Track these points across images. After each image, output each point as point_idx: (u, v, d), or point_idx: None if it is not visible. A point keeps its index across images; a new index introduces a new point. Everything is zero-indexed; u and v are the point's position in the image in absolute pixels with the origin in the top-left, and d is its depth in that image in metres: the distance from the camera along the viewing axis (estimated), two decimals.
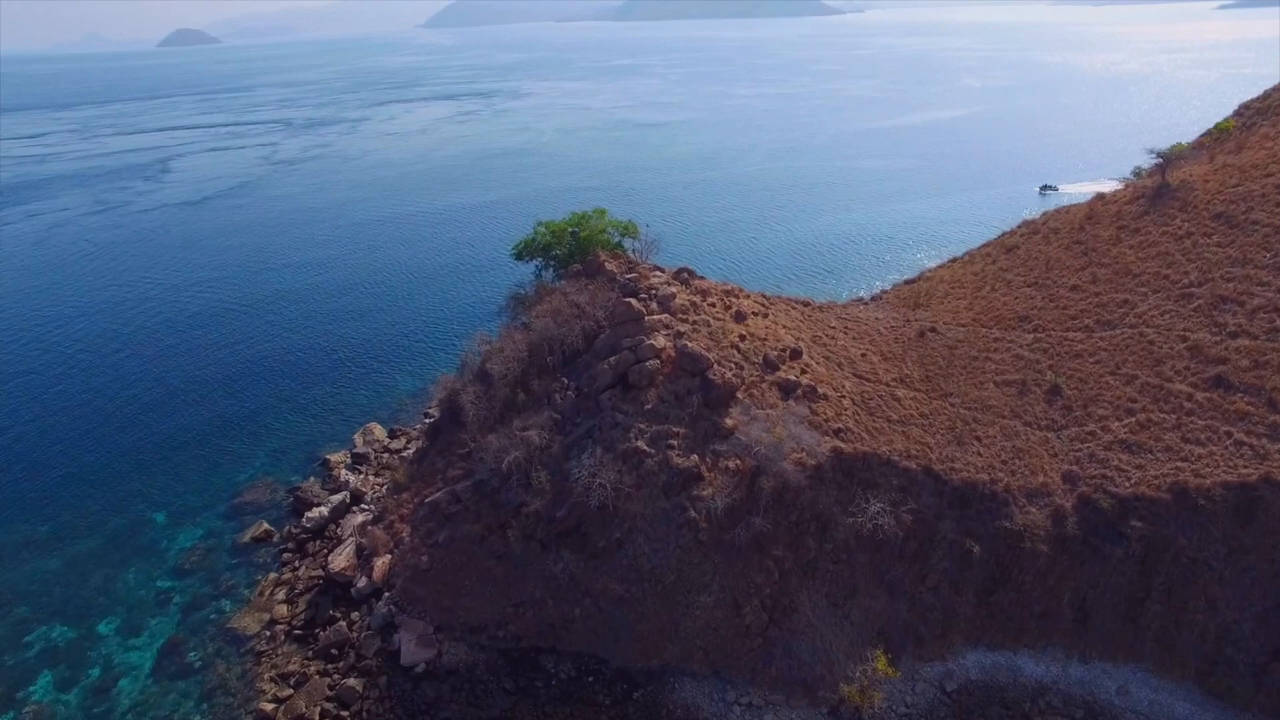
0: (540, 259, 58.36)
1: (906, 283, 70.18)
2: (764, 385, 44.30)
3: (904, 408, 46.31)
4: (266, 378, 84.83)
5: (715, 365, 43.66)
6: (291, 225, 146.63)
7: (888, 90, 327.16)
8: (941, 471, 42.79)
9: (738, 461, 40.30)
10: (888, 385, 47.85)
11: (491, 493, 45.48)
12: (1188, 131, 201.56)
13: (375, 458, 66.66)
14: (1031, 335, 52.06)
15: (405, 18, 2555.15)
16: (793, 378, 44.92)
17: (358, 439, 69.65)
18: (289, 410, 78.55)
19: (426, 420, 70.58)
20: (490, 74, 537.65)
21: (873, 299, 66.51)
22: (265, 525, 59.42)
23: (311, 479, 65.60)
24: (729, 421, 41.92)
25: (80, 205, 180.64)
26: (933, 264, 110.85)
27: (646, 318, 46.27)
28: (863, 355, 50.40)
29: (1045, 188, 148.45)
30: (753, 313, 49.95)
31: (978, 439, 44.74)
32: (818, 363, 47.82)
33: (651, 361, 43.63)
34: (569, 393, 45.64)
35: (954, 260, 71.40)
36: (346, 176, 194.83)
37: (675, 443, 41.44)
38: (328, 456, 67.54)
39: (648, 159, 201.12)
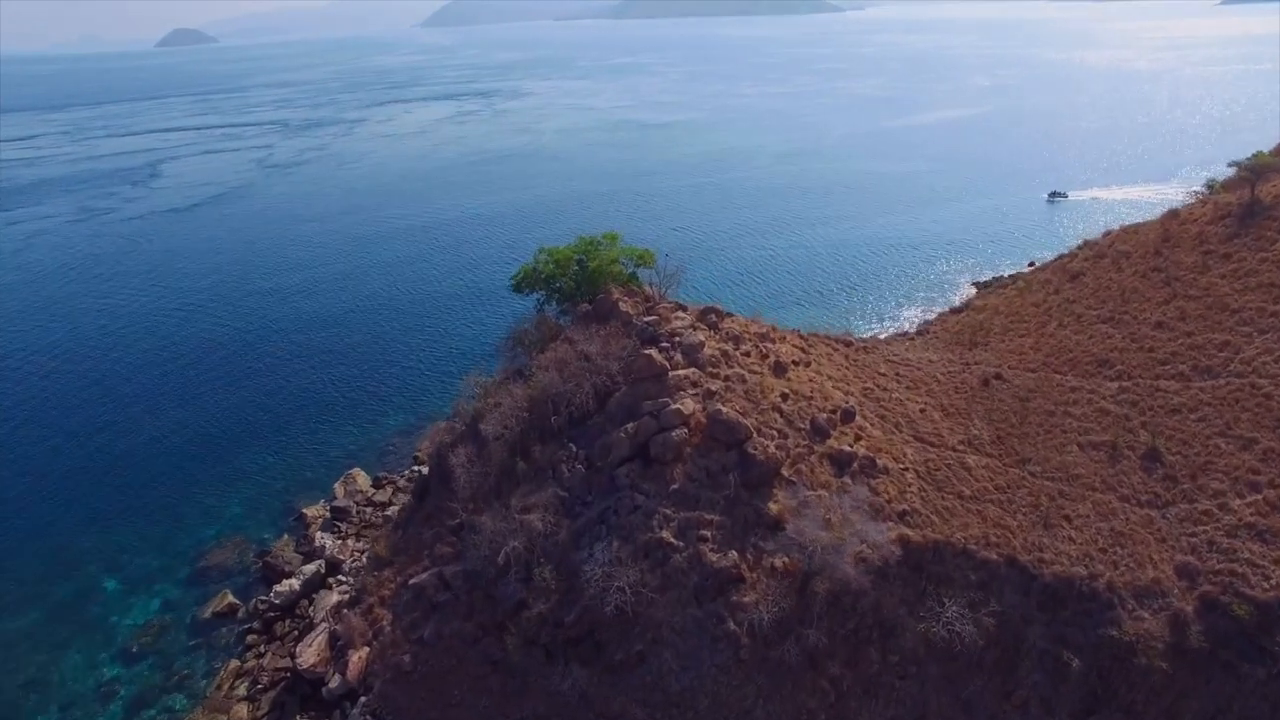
0: (542, 292, 50.86)
1: (953, 312, 62.67)
2: (813, 458, 36.84)
3: (976, 480, 38.86)
4: (242, 413, 77.30)
5: (755, 435, 36.19)
6: (278, 238, 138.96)
7: (895, 89, 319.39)
8: (1029, 563, 35.36)
9: (785, 560, 32.85)
10: (955, 450, 40.39)
11: (487, 583, 38.07)
12: (1217, 133, 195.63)
13: (357, 512, 59.24)
14: (1116, 384, 44.59)
15: (404, 17, 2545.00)
16: (847, 447, 37.45)
17: (338, 488, 62.20)
18: (266, 451, 71.09)
19: (415, 468, 63.21)
20: (489, 73, 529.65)
21: (919, 333, 58.96)
22: (230, 597, 52.01)
23: (285, 537, 58.16)
24: (774, 507, 34.47)
25: (63, 212, 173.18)
26: (962, 277, 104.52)
27: (670, 374, 38.79)
28: (922, 411, 42.93)
29: (1054, 194, 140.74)
30: (793, 361, 42.48)
31: (1067, 519, 37.30)
32: (873, 425, 40.34)
33: (678, 430, 36.18)
34: (578, 465, 38.18)
35: (1005, 286, 63.87)
36: (340, 182, 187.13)
37: (708, 533, 34.02)
38: (304, 510, 60.07)
39: (652, 162, 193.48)
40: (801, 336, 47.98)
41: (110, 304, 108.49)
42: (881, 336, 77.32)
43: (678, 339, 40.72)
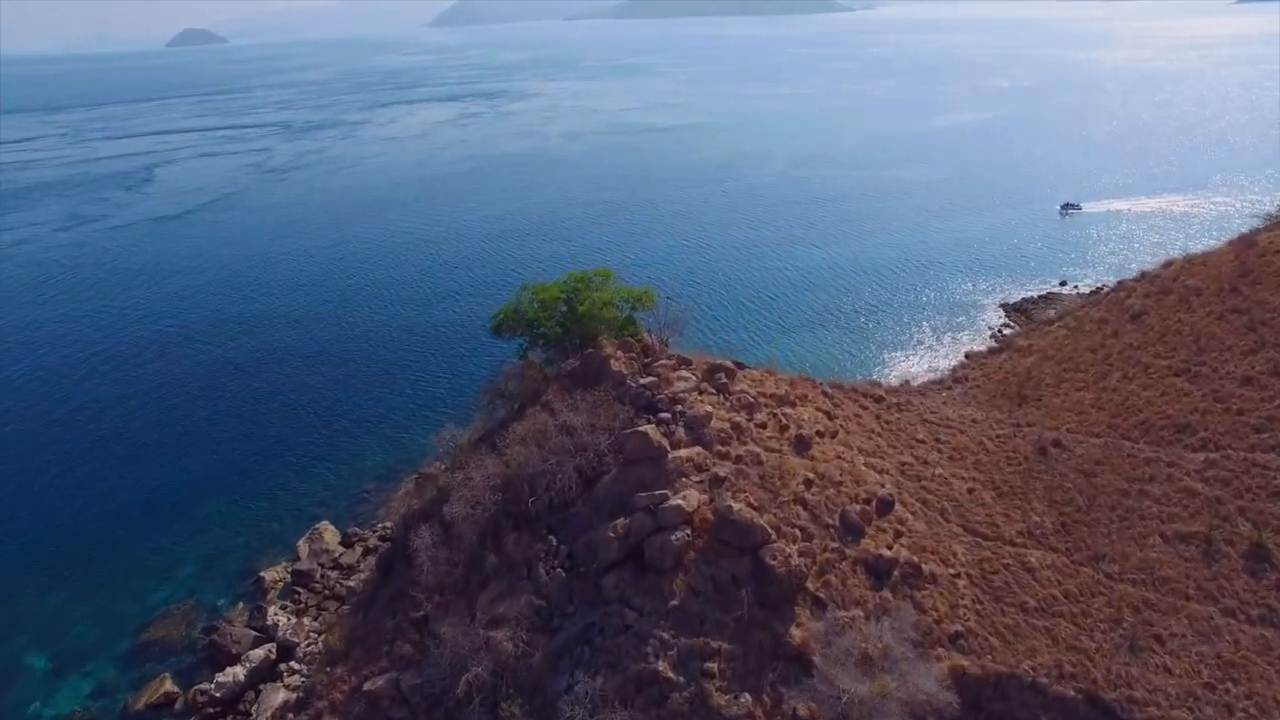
0: (525, 336, 44.13)
1: (993, 352, 55.65)
2: (845, 565, 29.92)
3: (1042, 585, 31.90)
4: (206, 454, 70.81)
5: (774, 537, 29.33)
6: (261, 254, 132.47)
7: (908, 91, 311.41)
8: (1115, 703, 28.39)
9: (812, 708, 25.99)
10: (1014, 545, 33.42)
11: (448, 709, 31.33)
12: (1250, 139, 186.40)
13: (321, 576, 52.62)
14: (1200, 455, 37.52)
15: (412, 17, 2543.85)
16: (885, 550, 30.52)
17: (303, 547, 55.62)
18: (230, 498, 64.57)
19: (386, 525, 56.58)
20: (494, 74, 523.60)
21: (955, 380, 51.86)
22: (168, 683, 45.48)
23: (240, 605, 51.65)
24: (797, 634, 27.62)
25: (51, 219, 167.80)
26: (987, 299, 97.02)
27: (670, 454, 31.93)
28: (971, 492, 35.95)
29: (1067, 206, 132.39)
30: (818, 432, 35.51)
31: (1158, 640, 30.32)
32: (914, 515, 33.39)
33: (678, 532, 29.34)
34: (557, 567, 31.38)
35: (1051, 323, 56.75)
36: (335, 189, 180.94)
37: (715, 667, 27.20)
38: (263, 574, 53.53)
39: (659, 167, 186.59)
40: (825, 394, 40.99)
41: (72, 330, 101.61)
42: (911, 375, 70.32)
43: (680, 408, 33.84)
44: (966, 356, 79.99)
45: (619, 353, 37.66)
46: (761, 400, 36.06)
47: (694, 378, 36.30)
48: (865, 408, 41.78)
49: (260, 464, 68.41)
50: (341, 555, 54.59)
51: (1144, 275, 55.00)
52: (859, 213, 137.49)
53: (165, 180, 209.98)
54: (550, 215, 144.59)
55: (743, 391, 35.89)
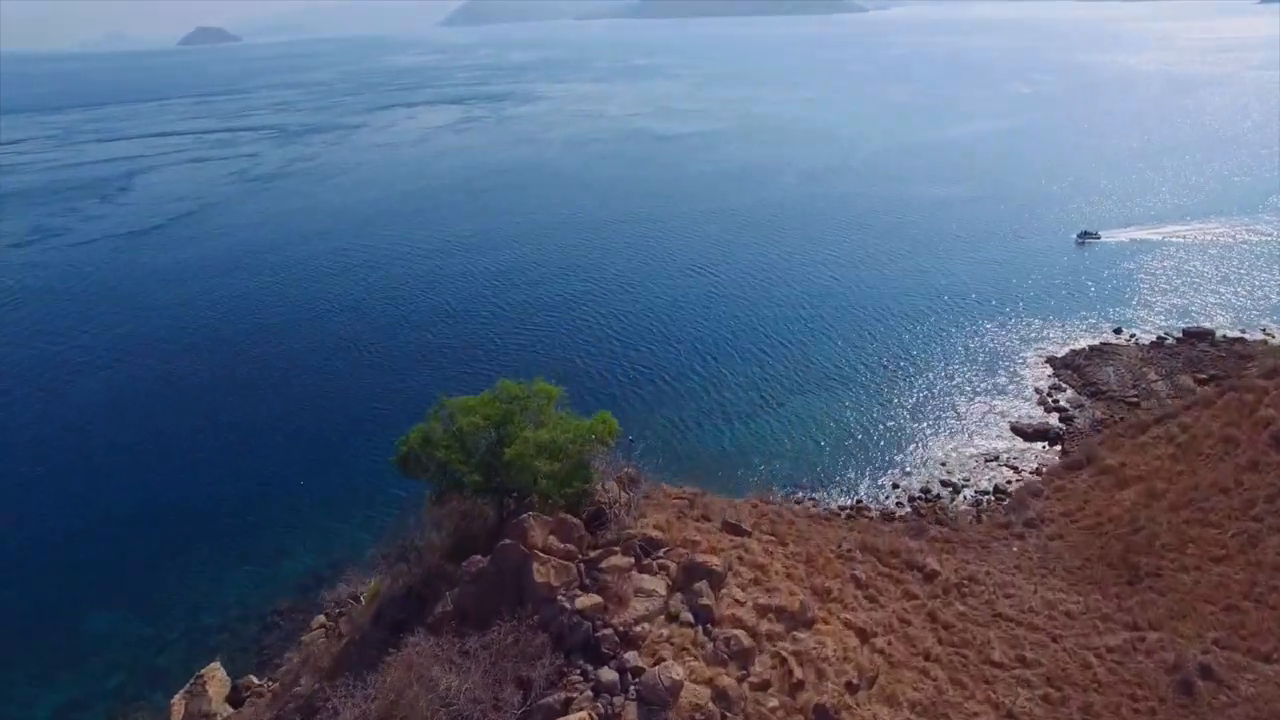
0: (436, 481, 31.92)
1: (1069, 469, 43.06)
2: None
3: None
4: (101, 546, 58.97)
5: None
6: (226, 277, 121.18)
7: (929, 96, 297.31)
8: None
9: None
10: None
11: None
12: None
13: None
14: None
15: (425, 15, 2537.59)
16: None
17: (178, 707, 43.51)
18: (119, 608, 52.78)
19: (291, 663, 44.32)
20: (501, 75, 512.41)
21: (1025, 521, 39.04)
22: None
23: None
24: None
25: (12, 233, 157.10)
26: (1026, 352, 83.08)
27: None
28: None
29: (1084, 235, 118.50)
30: (849, 683, 22.96)
31: None
32: None
33: None
34: None
35: (1146, 428, 43.91)
36: (317, 202, 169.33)
37: None
38: None
39: (663, 180, 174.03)
40: (857, 580, 28.39)
41: (17, 358, 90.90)
42: (956, 472, 57.50)
43: (633, 661, 21.36)
44: (1014, 431, 67.52)
45: (550, 538, 25.15)
46: (763, 628, 23.47)
47: (661, 590, 23.76)
48: (913, 596, 29.14)
49: (157, 561, 56.44)
50: (226, 717, 42.43)
51: (1275, 371, 41.84)
52: (873, 237, 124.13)
53: (143, 189, 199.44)
54: (538, 238, 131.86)
55: (734, 617, 23.31)
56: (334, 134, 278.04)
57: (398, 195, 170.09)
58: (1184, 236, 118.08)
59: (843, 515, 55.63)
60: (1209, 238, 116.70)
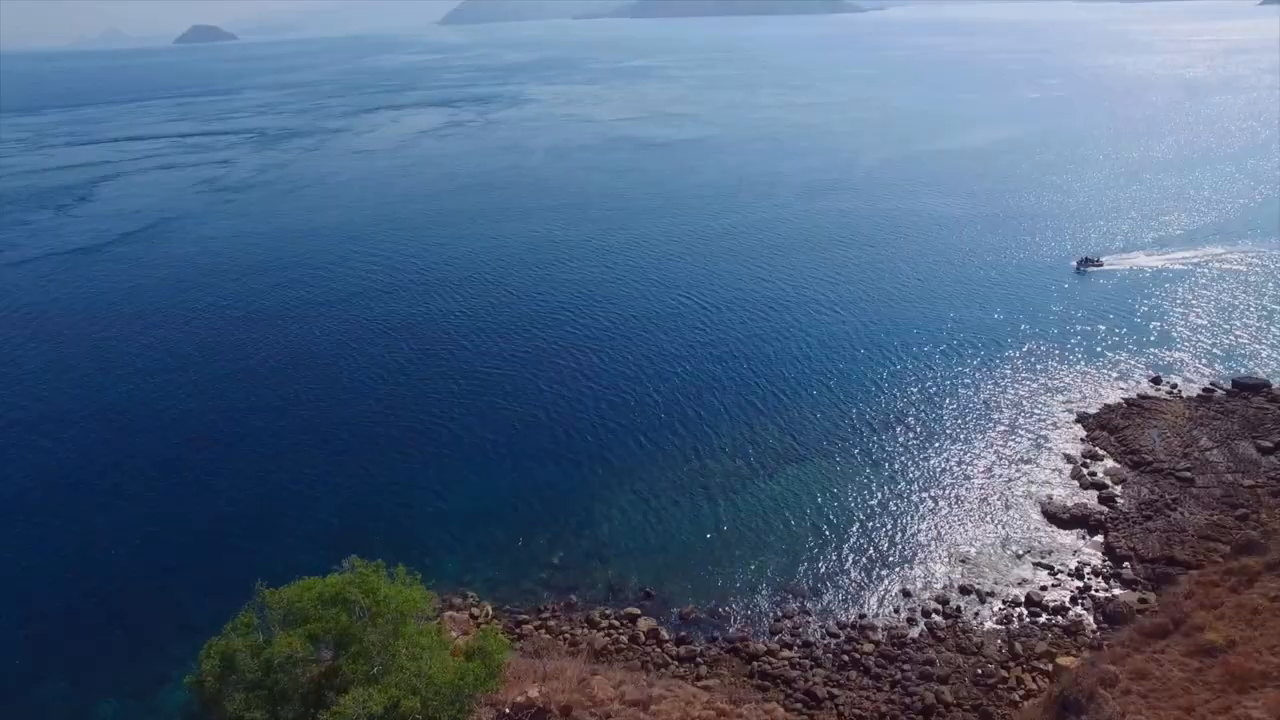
0: None
1: (1144, 635, 31.93)
2: None
3: None
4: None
5: None
6: (166, 308, 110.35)
7: (933, 101, 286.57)
8: None
9: None
10: None
11: None
12: None
13: None
14: None
15: (422, 14, 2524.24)
16: None
17: None
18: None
19: None
20: (493, 75, 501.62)
21: (1084, 691, 28.03)
22: None
23: None
24: None
25: None
26: (1055, 408, 71.49)
27: None
28: None
29: (1085, 263, 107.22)
30: None
31: None
32: None
33: None
34: None
35: (1230, 574, 33.04)
36: (278, 222, 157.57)
37: None
38: None
39: (648, 194, 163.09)
40: None
41: None
42: (983, 596, 46.32)
43: None
44: (1046, 517, 56.85)
45: None
46: None
47: None
48: None
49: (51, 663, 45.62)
50: None
51: None
52: (870, 262, 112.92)
53: (102, 200, 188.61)
54: (506, 264, 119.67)
55: None
56: (312, 139, 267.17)
57: (364, 209, 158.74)
58: (1203, 262, 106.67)
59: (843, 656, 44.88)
60: (1233, 264, 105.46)
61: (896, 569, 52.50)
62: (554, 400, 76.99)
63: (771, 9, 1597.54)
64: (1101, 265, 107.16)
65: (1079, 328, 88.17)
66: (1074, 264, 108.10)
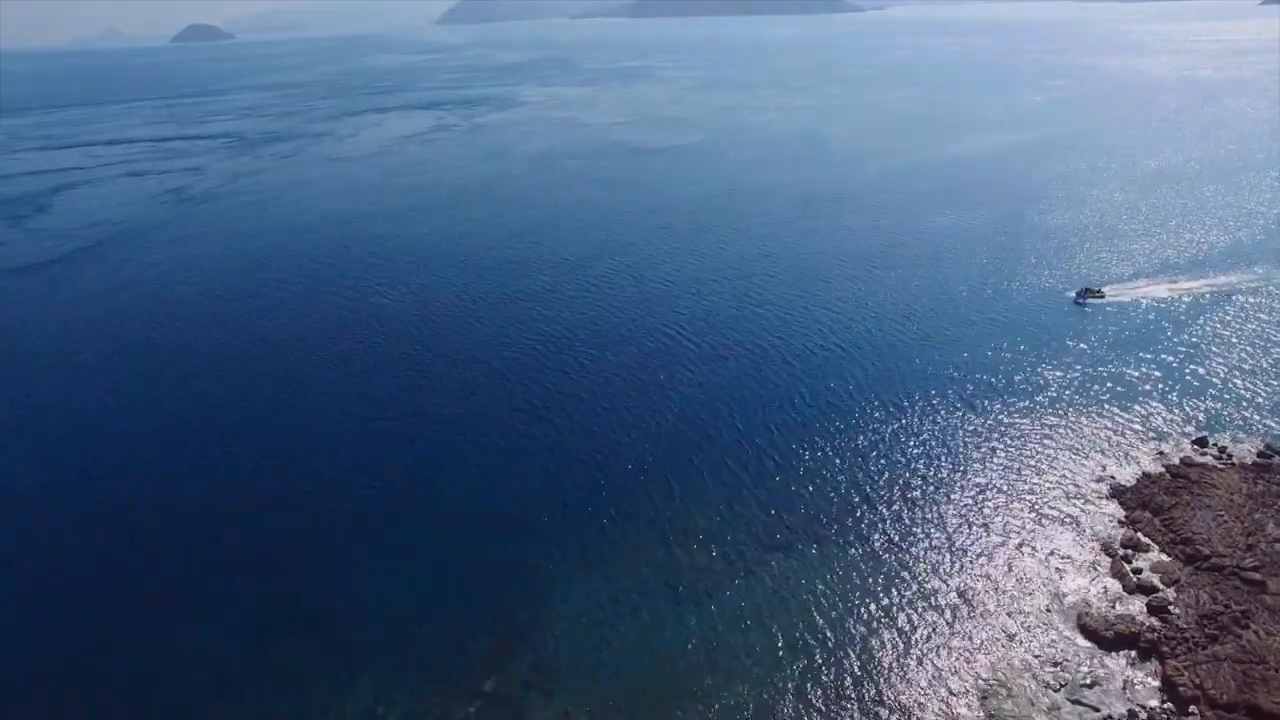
0: None
1: None
2: None
3: None
4: None
5: None
6: (96, 340, 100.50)
7: (935, 105, 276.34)
8: None
9: None
10: None
11: None
12: None
13: None
14: None
15: (420, 13, 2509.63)
16: None
17: None
18: None
19: None
20: (485, 77, 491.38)
21: None
22: None
23: None
24: None
25: None
26: (1084, 480, 60.38)
27: None
28: None
29: (1085, 294, 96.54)
30: None
31: None
32: None
33: None
34: None
35: None
36: (243, 232, 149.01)
37: None
38: None
39: (634, 206, 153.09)
40: None
41: None
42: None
43: None
44: (1085, 633, 47.08)
45: None
46: None
47: None
48: None
49: None
50: None
51: None
52: (866, 298, 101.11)
53: (63, 210, 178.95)
54: (451, 312, 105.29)
55: None
56: (292, 144, 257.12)
57: (327, 231, 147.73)
58: (1221, 291, 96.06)
59: None
60: (1254, 294, 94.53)
61: (905, 709, 42.54)
62: (512, 462, 67.05)
63: (771, 8, 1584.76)
64: (1103, 296, 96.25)
65: (1093, 372, 78.23)
66: (1072, 295, 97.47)
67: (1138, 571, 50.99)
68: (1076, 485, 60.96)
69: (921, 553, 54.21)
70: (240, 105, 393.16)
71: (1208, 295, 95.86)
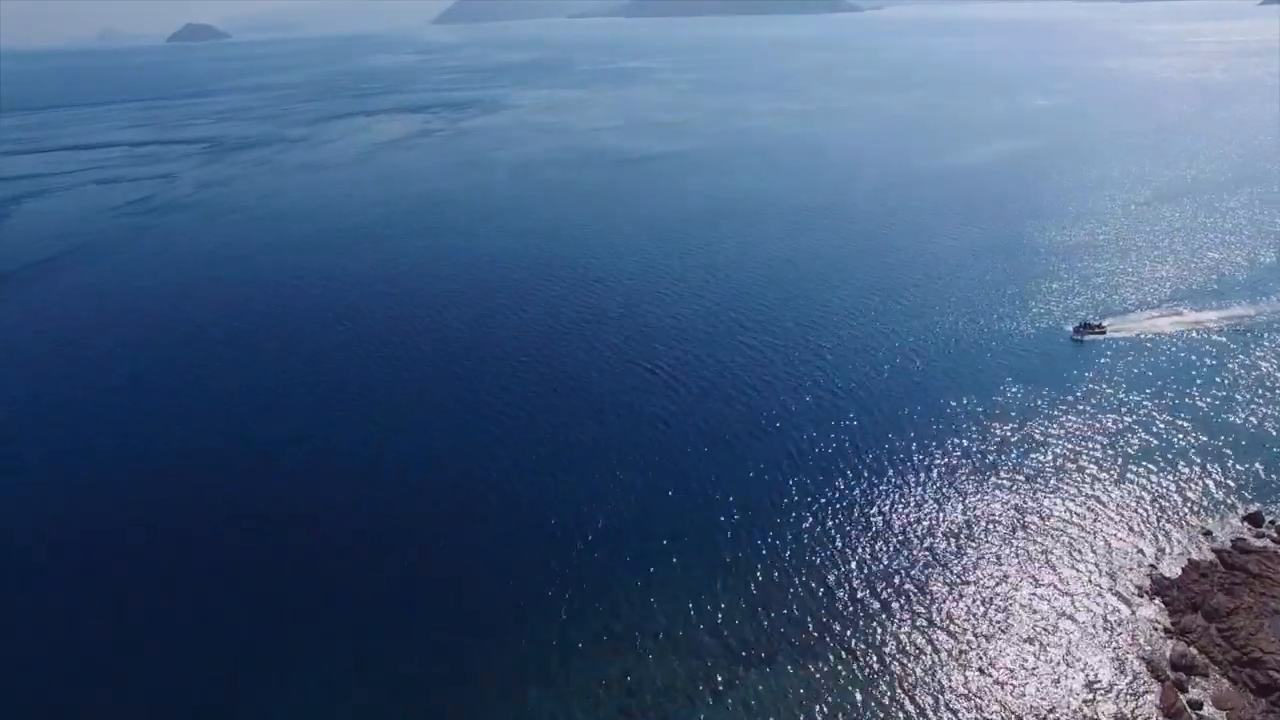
0: None
1: None
2: None
3: None
4: None
5: None
6: (30, 367, 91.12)
7: (936, 108, 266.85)
8: None
9: None
10: None
11: None
12: None
13: None
14: None
15: (417, 13, 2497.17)
16: None
17: None
18: None
19: None
20: (476, 78, 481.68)
21: None
22: None
23: None
24: None
25: None
26: (1103, 564, 49.90)
27: None
28: None
29: (1084, 328, 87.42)
30: None
31: None
32: None
33: None
34: None
35: None
36: (204, 247, 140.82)
37: None
38: None
39: (620, 220, 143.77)
40: None
41: None
42: None
43: None
44: None
45: None
46: None
47: None
48: None
49: None
50: None
51: None
52: (858, 330, 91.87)
53: (22, 221, 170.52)
54: (428, 330, 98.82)
55: None
56: (269, 149, 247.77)
57: (290, 247, 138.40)
58: (1237, 326, 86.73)
59: None
60: (1272, 329, 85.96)
61: None
62: (487, 528, 57.72)
63: (770, 8, 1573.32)
64: (1104, 331, 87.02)
65: (1108, 425, 68.82)
66: (1070, 330, 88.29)
67: (1196, 706, 41.60)
68: (1111, 577, 51.57)
69: (923, 674, 44.81)
70: (224, 107, 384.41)
71: (1222, 329, 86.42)
